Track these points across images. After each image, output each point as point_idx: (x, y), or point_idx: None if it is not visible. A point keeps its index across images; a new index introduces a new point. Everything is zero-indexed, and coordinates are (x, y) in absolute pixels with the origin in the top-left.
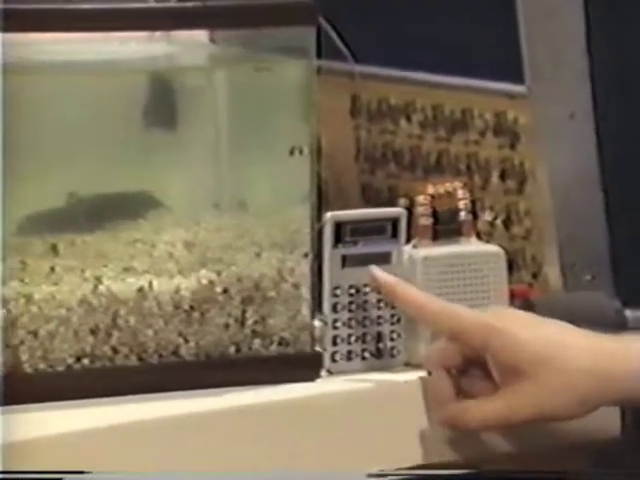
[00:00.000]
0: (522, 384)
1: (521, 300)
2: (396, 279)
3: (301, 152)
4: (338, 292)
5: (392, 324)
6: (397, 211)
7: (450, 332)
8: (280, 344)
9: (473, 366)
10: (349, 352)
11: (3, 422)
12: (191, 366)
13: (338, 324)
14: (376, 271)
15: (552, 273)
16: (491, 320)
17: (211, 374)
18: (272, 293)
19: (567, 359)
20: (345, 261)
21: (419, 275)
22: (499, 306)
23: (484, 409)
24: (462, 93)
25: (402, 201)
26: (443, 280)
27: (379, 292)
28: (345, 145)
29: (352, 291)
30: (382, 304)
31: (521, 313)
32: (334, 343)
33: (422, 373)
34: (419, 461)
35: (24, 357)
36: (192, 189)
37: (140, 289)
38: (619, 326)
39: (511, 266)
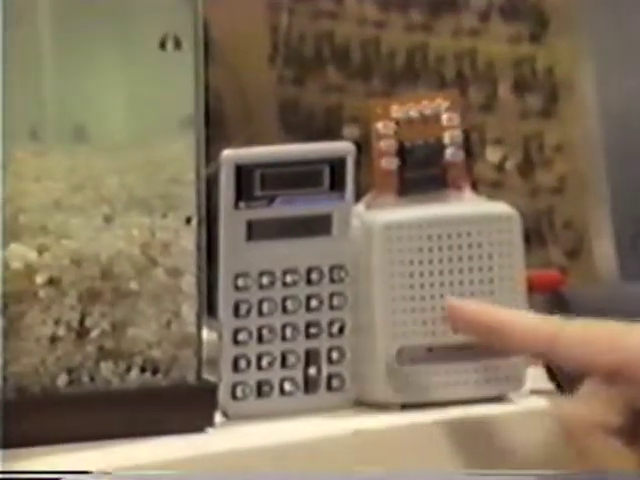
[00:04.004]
0: None
1: (546, 293)
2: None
3: (178, 45)
4: (241, 282)
5: (332, 336)
6: (340, 147)
7: (609, 368)
8: (144, 370)
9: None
10: (260, 383)
11: None
12: None
13: (242, 336)
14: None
15: (600, 250)
16: None
17: (27, 422)
18: (132, 284)
19: None
20: (253, 231)
21: (377, 253)
22: None
23: None
24: None
25: (349, 130)
26: (417, 261)
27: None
28: (253, 36)
29: (265, 280)
30: (317, 302)
31: None
32: (235, 368)
33: (390, 417)
34: None
35: None
36: None
37: None
38: None
39: (531, 238)
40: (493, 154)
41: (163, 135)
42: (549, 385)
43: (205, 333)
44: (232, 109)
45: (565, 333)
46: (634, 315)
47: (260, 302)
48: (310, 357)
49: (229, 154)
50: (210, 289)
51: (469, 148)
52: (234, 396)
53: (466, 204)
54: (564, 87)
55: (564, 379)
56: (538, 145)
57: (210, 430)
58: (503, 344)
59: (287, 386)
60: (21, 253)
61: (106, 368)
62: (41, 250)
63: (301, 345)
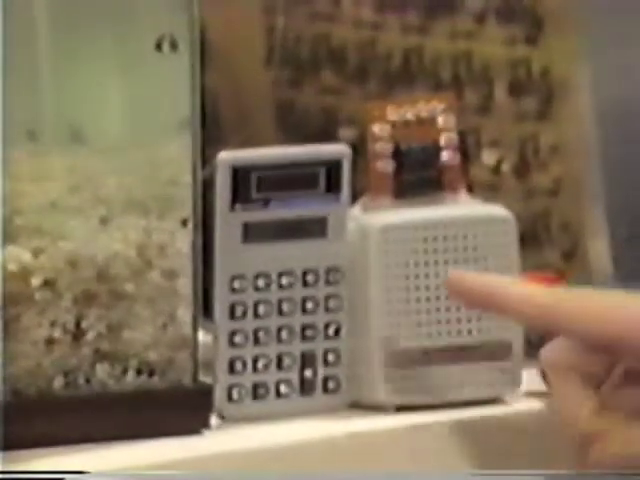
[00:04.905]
0: None
1: None
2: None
3: (174, 46)
4: (237, 284)
5: (327, 338)
6: (336, 150)
7: (608, 338)
8: (141, 372)
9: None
10: (256, 385)
11: None
12: None
13: (237, 338)
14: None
15: (596, 251)
16: None
17: (24, 424)
18: (128, 287)
19: None
20: (249, 233)
21: (373, 255)
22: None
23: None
24: None
25: (345, 133)
26: (413, 264)
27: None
28: (250, 38)
29: (260, 283)
30: (313, 304)
31: None
32: (231, 370)
33: (385, 419)
34: None
35: None
36: None
37: None
38: None
39: (527, 240)
40: (489, 156)
41: (159, 137)
42: (544, 387)
43: (201, 335)
44: (228, 111)
45: (564, 302)
46: None
47: (256, 304)
48: (306, 359)
49: (225, 156)
50: (206, 291)
51: (465, 150)
52: (230, 398)
53: (462, 206)
54: (559, 89)
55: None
56: (534, 147)
57: (206, 432)
58: (501, 312)
59: (283, 388)
60: (17, 255)
61: (102, 370)
62: (37, 252)
63: (297, 347)
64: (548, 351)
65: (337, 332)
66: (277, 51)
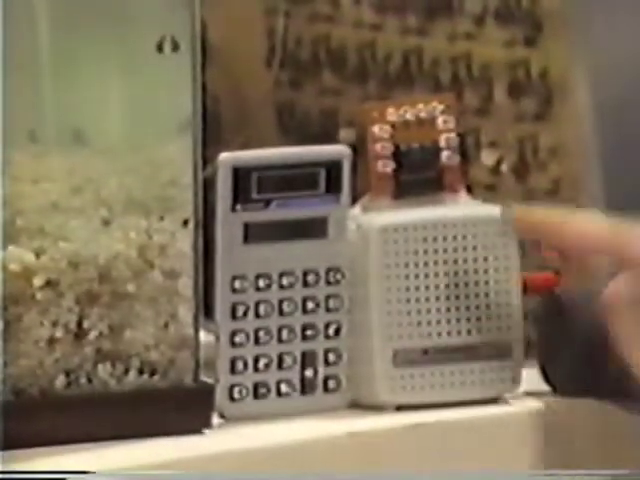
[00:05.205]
0: None
1: (542, 295)
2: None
3: (175, 47)
4: (238, 285)
5: (328, 338)
6: (336, 150)
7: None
8: (142, 372)
9: None
10: (257, 385)
11: None
12: None
13: (239, 338)
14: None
15: None
16: None
17: (25, 423)
18: (129, 287)
19: None
20: (249, 233)
21: (373, 255)
22: None
23: None
24: None
25: (345, 134)
26: (413, 264)
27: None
28: (250, 40)
29: (261, 283)
30: (313, 304)
31: None
32: (232, 370)
33: (385, 419)
34: None
35: None
36: None
37: None
38: None
39: (526, 240)
40: (488, 157)
41: (160, 138)
42: (544, 386)
43: (202, 335)
44: (229, 112)
45: (625, 231)
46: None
47: (257, 304)
48: (306, 359)
49: (226, 157)
50: (207, 291)
51: (464, 151)
52: (231, 398)
53: (461, 207)
54: (558, 90)
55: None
56: (533, 148)
57: (207, 431)
58: (563, 245)
59: (284, 388)
60: (19, 255)
61: (104, 370)
62: (39, 252)
63: (297, 347)
64: (612, 287)
65: (337, 332)
66: (277, 52)
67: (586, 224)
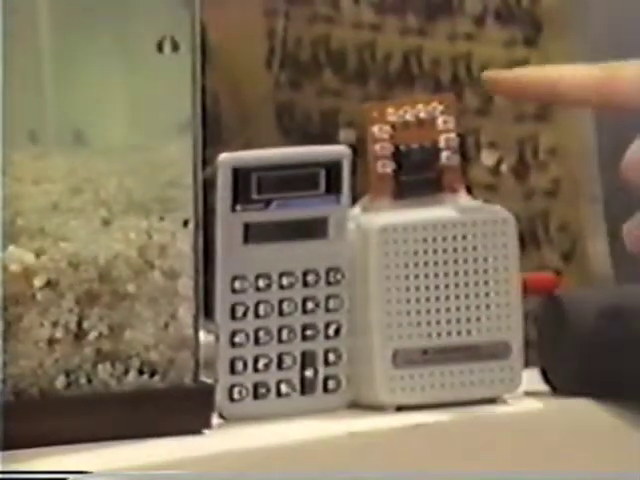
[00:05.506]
0: None
1: (542, 296)
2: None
3: (175, 48)
4: (238, 285)
5: (328, 338)
6: (336, 151)
7: None
8: (142, 372)
9: None
10: (257, 385)
11: None
12: None
13: (238, 338)
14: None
15: (595, 252)
16: None
17: (25, 424)
18: (130, 287)
19: None
20: (249, 233)
21: (373, 255)
22: None
23: None
24: None
25: (345, 134)
26: (413, 264)
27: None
28: (250, 40)
29: (261, 283)
30: (313, 304)
31: None
32: (232, 370)
33: (385, 419)
34: None
35: None
36: None
37: None
38: None
39: (526, 241)
40: (488, 157)
41: (160, 138)
42: (544, 386)
43: (202, 335)
44: (229, 112)
45: (620, 74)
46: (630, 317)
47: (257, 304)
48: (306, 359)
49: (226, 157)
50: (207, 292)
51: (464, 151)
52: (231, 398)
53: (461, 207)
54: None
55: None
56: (533, 148)
57: (207, 432)
58: (555, 98)
59: (284, 388)
60: (19, 256)
61: (104, 370)
62: (39, 253)
63: (297, 347)
64: (631, 152)
65: (337, 332)
66: (277, 53)
67: (580, 71)
